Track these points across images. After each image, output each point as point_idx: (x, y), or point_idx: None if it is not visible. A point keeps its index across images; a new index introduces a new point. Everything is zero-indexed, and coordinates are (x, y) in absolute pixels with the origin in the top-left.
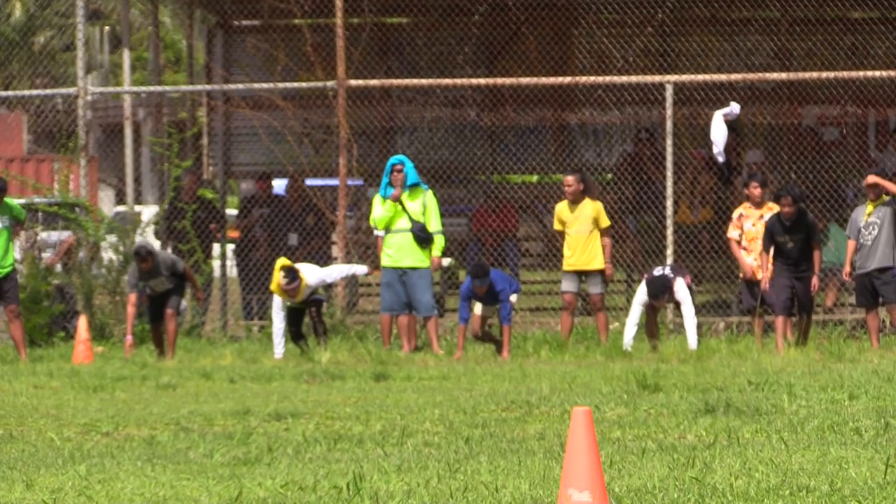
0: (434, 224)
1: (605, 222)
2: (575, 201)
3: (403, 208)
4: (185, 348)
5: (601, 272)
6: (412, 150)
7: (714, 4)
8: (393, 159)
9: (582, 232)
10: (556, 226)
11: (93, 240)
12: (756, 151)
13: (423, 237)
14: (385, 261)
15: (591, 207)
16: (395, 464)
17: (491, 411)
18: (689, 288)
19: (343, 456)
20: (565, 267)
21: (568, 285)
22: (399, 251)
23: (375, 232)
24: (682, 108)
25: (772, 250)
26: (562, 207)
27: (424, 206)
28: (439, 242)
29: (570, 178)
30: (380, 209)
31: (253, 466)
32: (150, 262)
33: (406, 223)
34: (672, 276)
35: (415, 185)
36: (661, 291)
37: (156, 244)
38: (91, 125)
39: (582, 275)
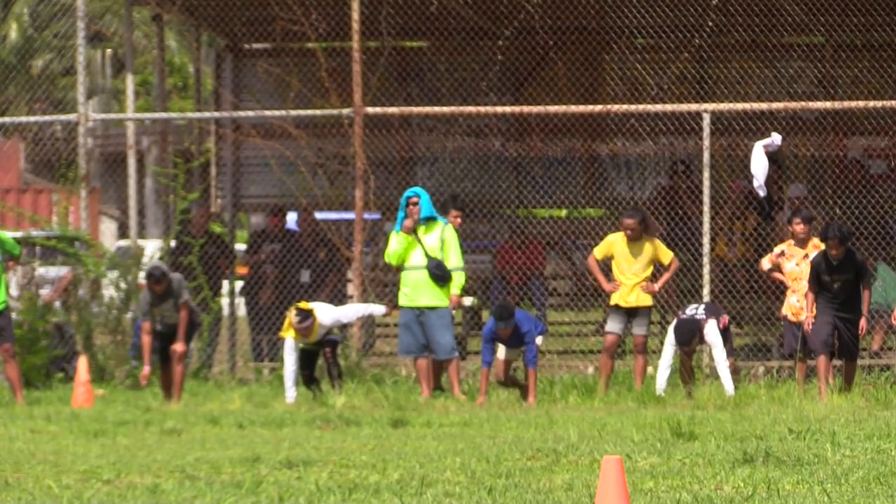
0: (453, 260)
1: (667, 255)
2: (634, 240)
3: (419, 243)
4: (192, 391)
5: (649, 310)
6: (433, 181)
7: (754, 29)
8: (408, 192)
9: (636, 271)
10: (599, 253)
11: (93, 276)
12: (798, 185)
13: (439, 274)
14: (402, 300)
15: (650, 247)
16: None
17: (515, 460)
18: (727, 330)
19: None
20: (615, 301)
21: (614, 325)
22: (415, 289)
23: None
24: (720, 138)
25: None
26: (616, 239)
27: (442, 241)
28: (458, 280)
29: (630, 222)
30: (394, 243)
31: None
32: (165, 283)
33: (422, 259)
34: (704, 317)
35: (431, 219)
36: (689, 337)
37: None
38: (92, 154)
39: (629, 314)
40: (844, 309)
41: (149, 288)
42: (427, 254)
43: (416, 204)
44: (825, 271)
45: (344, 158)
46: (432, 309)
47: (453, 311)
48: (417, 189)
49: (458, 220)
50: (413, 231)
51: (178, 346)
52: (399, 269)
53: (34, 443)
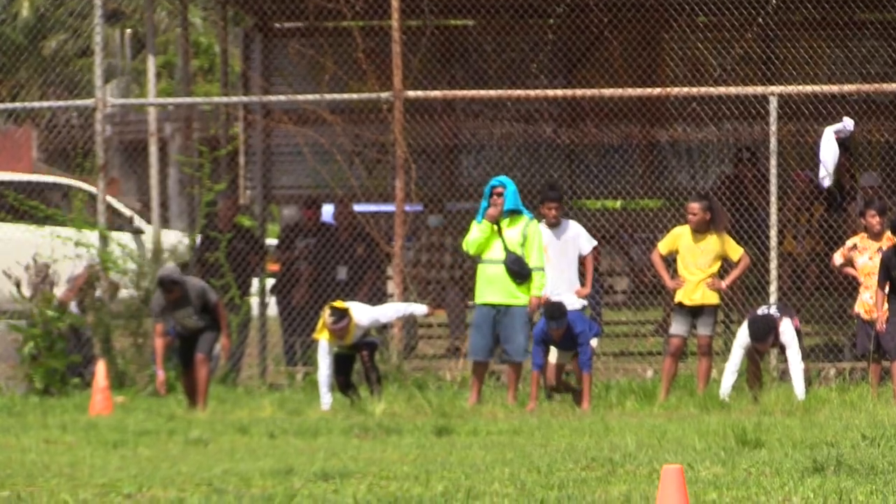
0: (535, 259)
1: (737, 252)
2: (699, 231)
3: (499, 236)
4: (219, 398)
5: (715, 309)
6: (479, 171)
7: (824, 5)
8: (493, 181)
9: (702, 266)
10: (664, 248)
11: (112, 274)
12: (872, 174)
13: (516, 270)
14: (477, 296)
15: (718, 241)
16: None
17: (569, 470)
18: (798, 330)
19: None
20: (679, 298)
21: (679, 327)
22: (490, 285)
23: None
24: (788, 123)
25: (887, 287)
26: (682, 232)
27: (525, 236)
28: (539, 280)
29: (694, 206)
30: (475, 231)
31: None
32: (177, 292)
33: (500, 253)
34: (778, 315)
35: (516, 212)
36: (764, 333)
37: None
38: (111, 142)
39: (694, 313)
40: None
41: (161, 293)
42: (506, 248)
43: (500, 194)
44: (895, 266)
45: (383, 146)
46: (507, 307)
47: (530, 313)
48: (503, 178)
49: (553, 212)
50: (496, 220)
51: (225, 342)
52: (476, 260)
53: (49, 454)
